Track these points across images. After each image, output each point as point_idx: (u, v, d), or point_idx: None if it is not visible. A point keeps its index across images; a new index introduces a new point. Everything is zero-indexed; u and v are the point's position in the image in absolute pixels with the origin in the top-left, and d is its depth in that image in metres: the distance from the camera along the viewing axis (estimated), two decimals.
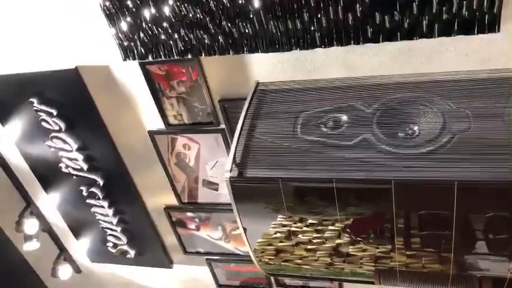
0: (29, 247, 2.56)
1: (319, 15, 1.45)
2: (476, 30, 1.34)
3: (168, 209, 2.31)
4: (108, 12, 1.64)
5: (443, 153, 1.16)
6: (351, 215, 1.26)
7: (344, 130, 1.26)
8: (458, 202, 1.10)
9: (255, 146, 1.30)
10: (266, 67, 1.71)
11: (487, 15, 1.31)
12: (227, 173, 1.24)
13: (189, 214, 2.29)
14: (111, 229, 2.48)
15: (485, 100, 1.23)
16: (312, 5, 1.44)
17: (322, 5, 1.43)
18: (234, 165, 1.25)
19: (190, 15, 1.58)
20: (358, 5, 1.40)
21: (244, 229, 1.41)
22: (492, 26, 1.32)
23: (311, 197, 1.27)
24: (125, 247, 2.55)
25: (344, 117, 1.28)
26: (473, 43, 1.46)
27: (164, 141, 2.05)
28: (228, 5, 1.52)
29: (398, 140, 1.21)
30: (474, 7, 1.30)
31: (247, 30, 1.55)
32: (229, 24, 1.56)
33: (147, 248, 2.54)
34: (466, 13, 1.32)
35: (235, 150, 1.27)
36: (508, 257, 1.20)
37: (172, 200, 2.26)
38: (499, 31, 1.32)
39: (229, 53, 1.61)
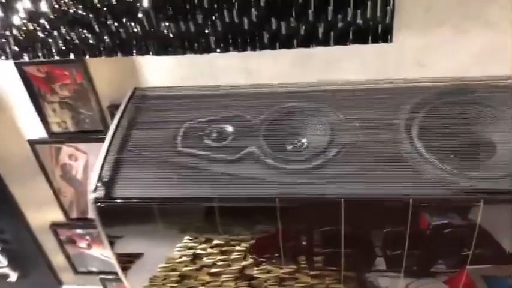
0: None
1: (213, 18, 1.37)
2: (370, 39, 1.34)
3: (55, 226, 2.09)
4: None
5: (330, 167, 1.12)
6: (236, 236, 1.18)
7: (229, 142, 1.17)
8: (347, 219, 1.06)
9: (128, 161, 1.16)
10: (162, 71, 1.60)
11: (380, 25, 1.31)
12: (91, 194, 1.09)
13: (79, 231, 2.08)
14: None
15: (377, 111, 1.21)
16: (206, 6, 1.35)
17: (216, 6, 1.35)
18: (99, 184, 1.10)
19: (71, 11, 1.41)
20: (253, 9, 1.34)
21: (117, 255, 1.25)
22: (385, 36, 1.32)
23: (192, 218, 1.17)
24: (6, 270, 2.27)
25: (230, 129, 1.19)
26: (369, 52, 1.46)
27: (47, 152, 1.84)
28: (114, 2, 1.38)
29: (285, 153, 1.15)
30: (368, 16, 1.30)
31: (135, 30, 1.42)
32: (115, 24, 1.42)
33: (32, 270, 2.28)
34: (361, 22, 1.31)
35: (102, 166, 1.13)
36: (404, 273, 1.19)
37: (59, 216, 2.05)
38: (391, 41, 1.33)
39: (116, 55, 1.47)
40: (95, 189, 1.09)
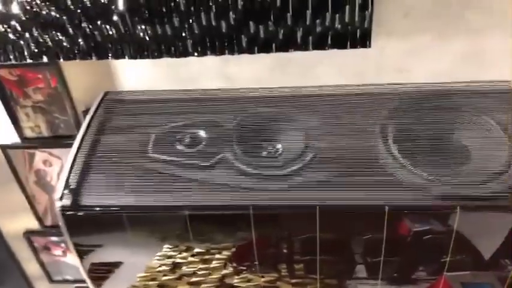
0: None
1: (190, 21, 1.34)
2: (349, 44, 1.33)
3: (29, 234, 2.03)
4: None
5: (305, 174, 1.10)
6: (210, 244, 1.15)
7: (202, 148, 1.15)
8: (322, 226, 1.04)
9: (97, 167, 1.12)
10: (138, 75, 1.56)
11: (358, 30, 1.30)
12: (58, 202, 1.05)
13: (54, 239, 2.02)
14: None
15: (355, 116, 1.20)
16: (183, 9, 1.32)
17: (193, 9, 1.32)
18: (67, 192, 1.07)
19: (44, 13, 1.38)
20: (231, 13, 1.31)
21: (86, 265, 1.21)
22: (364, 40, 1.31)
23: (163, 226, 1.13)
24: None
25: (203, 134, 1.16)
26: (348, 57, 1.45)
27: (20, 157, 1.78)
28: (88, 4, 1.35)
29: (259, 159, 1.13)
30: (346, 20, 1.28)
31: (111, 33, 1.39)
32: (90, 26, 1.38)
33: (5, 279, 2.21)
34: (339, 26, 1.30)
35: (70, 172, 1.09)
36: (384, 281, 1.17)
37: (33, 224, 1.99)
38: (370, 46, 1.32)
39: (91, 58, 1.43)
40: (62, 197, 1.05)
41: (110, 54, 1.43)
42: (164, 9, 1.33)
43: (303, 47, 1.34)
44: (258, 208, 1.04)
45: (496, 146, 1.16)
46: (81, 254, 1.17)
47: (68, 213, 1.07)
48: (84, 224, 1.10)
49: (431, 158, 1.14)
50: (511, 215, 1.07)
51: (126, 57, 1.43)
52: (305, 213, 1.05)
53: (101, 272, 1.30)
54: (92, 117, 1.22)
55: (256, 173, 1.09)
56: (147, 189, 1.09)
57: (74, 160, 1.12)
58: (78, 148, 1.14)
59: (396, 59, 1.43)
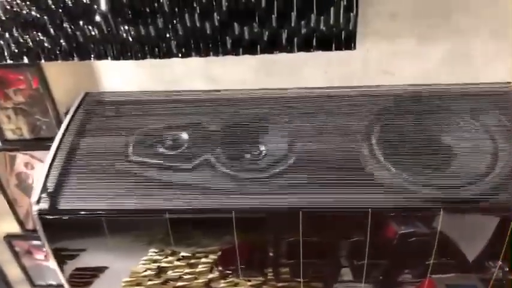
0: None
1: (174, 22, 1.33)
2: (334, 46, 1.32)
3: (10, 238, 1.99)
4: None
5: (289, 177, 1.09)
6: (192, 248, 1.13)
7: (184, 151, 1.13)
8: (305, 229, 1.03)
9: (76, 170, 1.10)
10: (121, 76, 1.54)
11: (343, 32, 1.29)
12: (35, 205, 1.03)
13: (36, 243, 1.99)
14: None
15: (340, 118, 1.20)
16: (167, 10, 1.31)
17: (177, 10, 1.31)
18: (44, 195, 1.04)
19: (25, 12, 1.35)
20: (215, 14, 1.30)
21: (65, 270, 1.19)
22: (349, 42, 1.31)
23: (144, 230, 1.12)
24: None
25: (185, 136, 1.15)
26: (334, 59, 1.45)
27: (1, 160, 1.75)
28: (70, 4, 1.32)
29: (242, 162, 1.12)
30: (331, 22, 1.28)
31: (93, 33, 1.36)
32: (72, 26, 1.36)
33: None
34: (324, 28, 1.29)
35: (47, 175, 1.07)
36: (371, 284, 1.17)
37: (15, 228, 1.95)
38: (355, 48, 1.32)
39: (73, 59, 1.41)
40: (39, 201, 1.03)
41: (92, 55, 1.41)
42: (148, 10, 1.31)
43: (288, 48, 1.33)
44: (241, 212, 1.03)
45: (480, 148, 1.17)
46: (61, 259, 1.15)
47: (45, 217, 1.04)
48: (62, 229, 1.08)
49: (416, 160, 1.14)
50: (495, 217, 1.07)
51: (109, 58, 1.41)
52: (288, 217, 1.04)
53: (84, 277, 1.28)
54: (72, 119, 1.20)
55: (239, 175, 1.08)
56: (127, 192, 1.07)
57: (52, 162, 1.10)
58: (57, 150, 1.12)
59: (382, 60, 1.43)
